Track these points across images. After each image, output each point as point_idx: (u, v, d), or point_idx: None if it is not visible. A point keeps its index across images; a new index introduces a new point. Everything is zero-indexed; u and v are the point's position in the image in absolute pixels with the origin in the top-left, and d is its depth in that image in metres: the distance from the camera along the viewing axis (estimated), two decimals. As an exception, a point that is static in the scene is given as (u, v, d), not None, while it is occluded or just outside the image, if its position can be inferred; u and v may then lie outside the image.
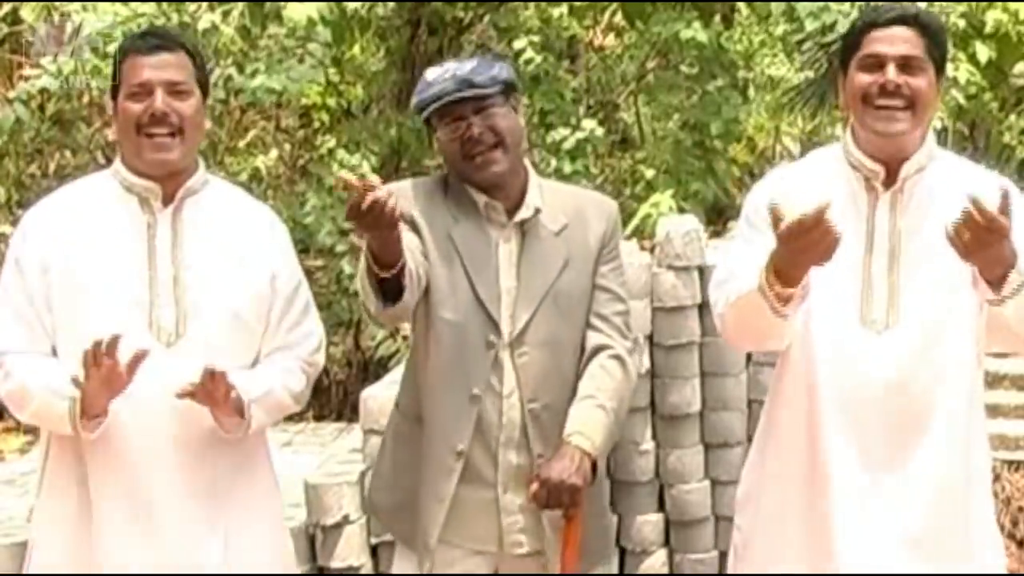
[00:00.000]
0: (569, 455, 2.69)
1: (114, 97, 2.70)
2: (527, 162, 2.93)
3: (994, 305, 2.52)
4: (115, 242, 2.67)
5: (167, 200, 2.70)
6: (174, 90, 2.65)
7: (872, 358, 2.64)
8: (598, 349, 2.83)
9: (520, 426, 2.79)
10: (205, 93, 2.75)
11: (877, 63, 2.64)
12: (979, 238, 2.38)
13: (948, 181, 2.70)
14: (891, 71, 2.62)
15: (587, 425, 2.73)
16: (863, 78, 2.64)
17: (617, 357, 2.84)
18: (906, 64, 2.63)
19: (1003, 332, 2.61)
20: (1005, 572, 2.81)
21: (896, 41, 2.64)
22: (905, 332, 2.64)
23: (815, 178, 2.78)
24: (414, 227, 2.77)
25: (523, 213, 2.81)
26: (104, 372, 2.47)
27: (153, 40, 2.71)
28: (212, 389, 2.56)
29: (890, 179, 2.69)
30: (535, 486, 2.68)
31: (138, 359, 2.49)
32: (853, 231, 2.65)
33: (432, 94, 2.75)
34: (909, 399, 2.64)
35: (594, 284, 2.85)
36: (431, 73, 2.80)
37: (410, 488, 2.84)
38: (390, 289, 2.59)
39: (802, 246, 2.42)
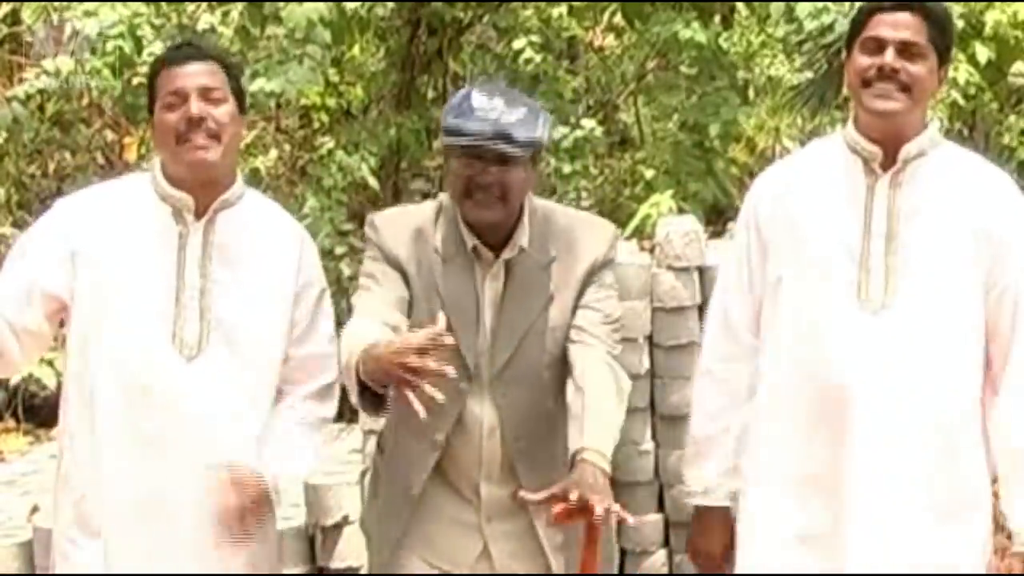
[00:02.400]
0: (591, 473, 2.53)
1: (151, 112, 2.71)
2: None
3: None
4: (145, 251, 2.67)
5: (200, 213, 2.69)
6: (208, 97, 2.64)
7: (868, 337, 2.65)
8: (582, 359, 2.72)
9: (502, 463, 2.74)
10: (241, 104, 2.74)
11: (878, 46, 2.68)
12: None
13: (950, 169, 2.76)
14: (889, 54, 2.66)
15: (602, 443, 2.60)
16: (863, 60, 2.69)
17: (607, 364, 2.73)
18: (905, 49, 2.67)
19: None
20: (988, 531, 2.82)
21: (899, 26, 2.68)
22: (902, 312, 2.66)
23: (813, 166, 2.84)
24: (399, 267, 2.72)
25: (507, 253, 2.75)
26: None
27: (185, 51, 2.74)
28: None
29: (888, 162, 2.71)
30: (561, 507, 2.49)
31: None
32: (850, 214, 2.69)
33: (469, 130, 2.63)
34: (906, 377, 2.66)
35: (578, 306, 2.77)
36: (478, 101, 2.65)
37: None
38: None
39: None
